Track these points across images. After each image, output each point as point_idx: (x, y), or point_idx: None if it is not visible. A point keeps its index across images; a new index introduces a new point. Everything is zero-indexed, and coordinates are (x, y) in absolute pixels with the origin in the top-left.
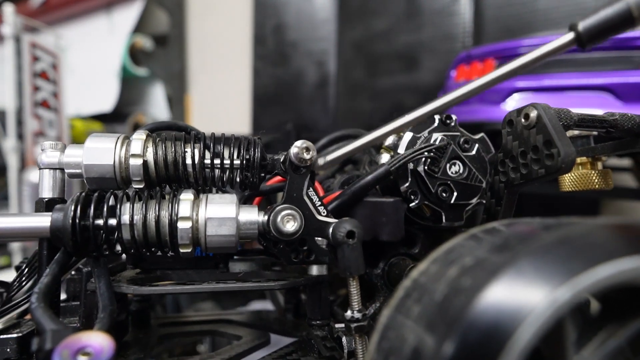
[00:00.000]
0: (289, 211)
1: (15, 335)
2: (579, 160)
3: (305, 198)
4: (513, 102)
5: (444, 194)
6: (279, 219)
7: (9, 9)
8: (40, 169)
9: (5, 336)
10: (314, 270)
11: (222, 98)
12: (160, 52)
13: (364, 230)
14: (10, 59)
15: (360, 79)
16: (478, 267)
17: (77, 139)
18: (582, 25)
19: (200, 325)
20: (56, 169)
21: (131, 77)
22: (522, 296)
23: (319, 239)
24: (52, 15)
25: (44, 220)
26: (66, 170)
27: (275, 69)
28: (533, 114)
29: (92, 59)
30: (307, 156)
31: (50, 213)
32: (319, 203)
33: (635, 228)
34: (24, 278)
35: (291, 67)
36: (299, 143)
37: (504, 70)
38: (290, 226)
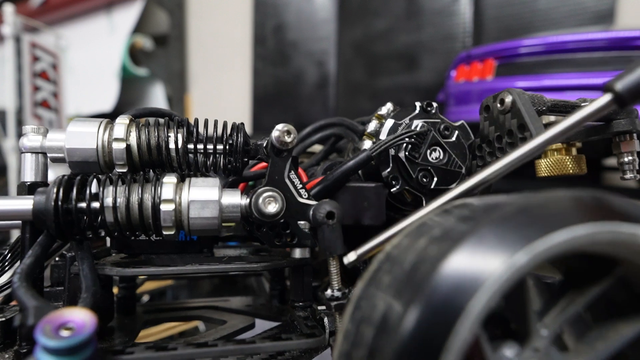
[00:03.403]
0: (270, 193)
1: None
2: (554, 146)
3: (287, 181)
4: None
5: (425, 179)
6: (260, 200)
7: (9, 9)
8: (22, 152)
9: None
10: (297, 253)
11: (222, 98)
12: (160, 52)
13: (346, 215)
14: (10, 59)
15: (360, 79)
16: (444, 237)
17: None
18: (620, 85)
19: (186, 312)
20: (38, 153)
21: (131, 77)
22: (482, 261)
23: (302, 223)
24: (52, 15)
25: (26, 203)
26: (48, 155)
27: (275, 69)
28: (508, 99)
29: (92, 59)
30: (288, 139)
31: (33, 196)
32: (301, 186)
33: (586, 199)
34: (6, 263)
35: (291, 67)
36: (280, 126)
37: (542, 139)
38: (272, 208)
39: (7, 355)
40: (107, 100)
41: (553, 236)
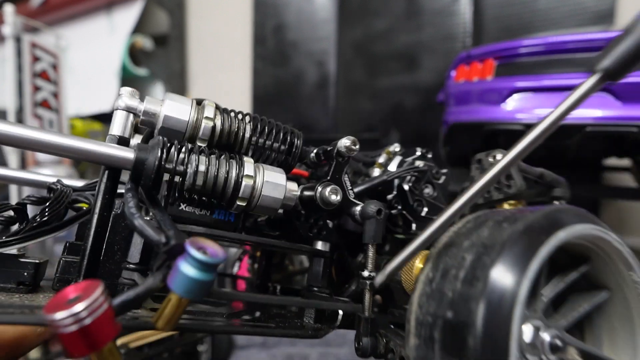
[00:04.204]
0: (334, 186)
1: (34, 261)
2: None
3: (343, 181)
4: (513, 102)
5: (419, 208)
6: (327, 191)
7: (9, 9)
8: (116, 109)
9: (26, 260)
10: (319, 245)
11: (222, 98)
12: (160, 52)
13: (357, 226)
14: (10, 59)
15: (360, 79)
16: (509, 220)
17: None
18: (607, 62)
19: None
20: (130, 112)
21: (131, 77)
22: (539, 233)
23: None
24: (52, 15)
25: (128, 154)
26: (142, 117)
27: (275, 69)
28: (499, 156)
29: (92, 59)
30: (354, 147)
31: (132, 149)
32: (350, 187)
33: (585, 210)
34: (46, 212)
35: (291, 67)
36: (349, 138)
37: (540, 129)
38: (334, 198)
39: (42, 296)
40: (107, 100)
41: (576, 225)
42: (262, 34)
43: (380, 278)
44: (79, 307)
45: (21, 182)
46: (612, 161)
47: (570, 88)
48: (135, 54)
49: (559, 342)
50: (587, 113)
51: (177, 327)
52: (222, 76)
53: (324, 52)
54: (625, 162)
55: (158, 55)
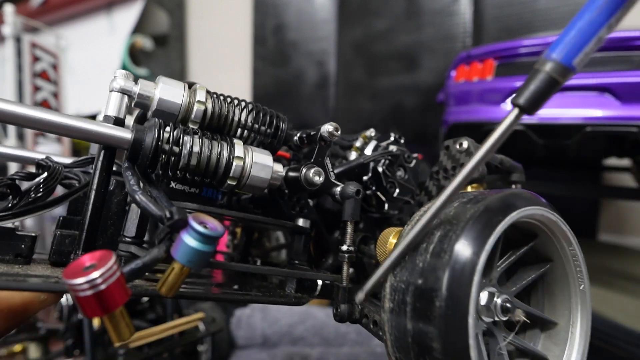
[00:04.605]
0: (317, 168)
1: (30, 234)
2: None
3: (325, 163)
4: None
5: (391, 189)
6: (311, 172)
7: (9, 9)
8: (111, 91)
9: (24, 233)
10: (300, 222)
11: None
12: (160, 52)
13: (335, 205)
14: (10, 59)
15: (360, 79)
16: (474, 201)
17: (78, 139)
18: (522, 100)
19: None
20: (125, 94)
21: None
22: (497, 213)
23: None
24: (52, 15)
25: (126, 134)
26: (137, 99)
27: (275, 69)
28: (465, 144)
29: (92, 59)
30: (336, 133)
31: (130, 129)
32: (331, 170)
33: (534, 194)
34: (41, 187)
35: (291, 67)
36: (331, 124)
37: (472, 165)
38: (317, 179)
39: (41, 267)
40: None
41: (527, 208)
42: (262, 34)
43: (360, 296)
44: (95, 274)
45: (9, 158)
46: (612, 161)
47: (570, 88)
48: (135, 54)
49: (509, 305)
50: (587, 113)
51: (178, 295)
52: (222, 76)
53: (324, 52)
54: (625, 162)
55: (158, 55)
